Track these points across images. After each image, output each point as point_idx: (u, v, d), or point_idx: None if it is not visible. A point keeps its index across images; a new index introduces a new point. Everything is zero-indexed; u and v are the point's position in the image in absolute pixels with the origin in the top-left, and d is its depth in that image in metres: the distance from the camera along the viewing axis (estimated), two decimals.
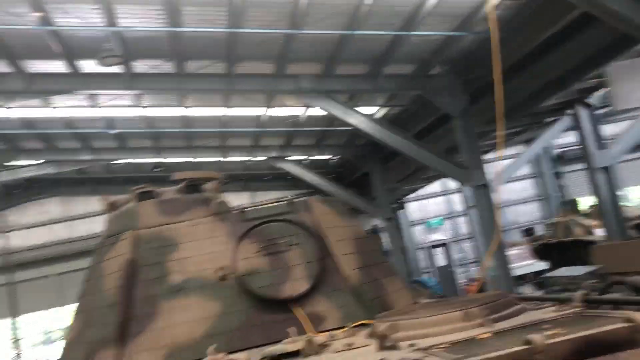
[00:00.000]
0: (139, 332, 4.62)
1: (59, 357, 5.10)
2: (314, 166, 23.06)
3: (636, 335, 2.70)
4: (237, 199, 25.03)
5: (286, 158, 21.07)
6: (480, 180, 13.78)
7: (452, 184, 25.76)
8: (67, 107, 15.44)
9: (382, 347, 3.29)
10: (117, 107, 15.57)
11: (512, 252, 17.61)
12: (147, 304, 4.73)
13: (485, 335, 3.16)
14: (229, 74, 13.22)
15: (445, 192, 28.02)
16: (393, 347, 3.25)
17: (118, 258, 4.95)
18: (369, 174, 21.36)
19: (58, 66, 12.59)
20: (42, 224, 24.35)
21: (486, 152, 15.98)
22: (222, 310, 4.73)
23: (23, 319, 23.69)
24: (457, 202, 27.18)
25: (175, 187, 5.53)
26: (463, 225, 27.58)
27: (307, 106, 15.79)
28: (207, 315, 4.69)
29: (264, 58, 12.99)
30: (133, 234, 5.01)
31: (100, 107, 15.39)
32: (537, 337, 2.62)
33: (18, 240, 23.71)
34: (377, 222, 23.57)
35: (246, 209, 5.22)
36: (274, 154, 20.53)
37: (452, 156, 15.47)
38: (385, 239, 21.98)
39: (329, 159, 23.47)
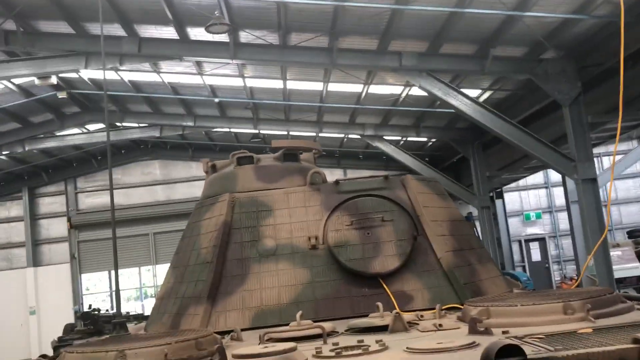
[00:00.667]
0: (230, 292, 4.72)
1: (152, 309, 5.31)
2: (410, 147, 22.71)
3: None
4: (329, 175, 25.32)
5: (382, 137, 20.86)
6: (588, 174, 13.01)
7: (555, 176, 24.64)
8: (174, 74, 15.98)
9: (474, 331, 3.15)
10: (221, 76, 15.94)
11: (614, 254, 16.66)
12: (239, 265, 4.82)
13: (586, 330, 2.96)
14: (331, 48, 13.17)
15: (547, 185, 26.90)
16: (485, 332, 3.11)
17: (214, 219, 5.06)
18: (466, 159, 20.78)
19: (169, 32, 13.01)
20: (144, 184, 25.57)
21: (595, 145, 15.09)
22: (311, 279, 4.74)
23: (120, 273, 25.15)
24: (558, 196, 25.98)
25: (273, 154, 5.57)
26: (563, 220, 26.37)
27: (408, 85, 15.50)
28: (295, 282, 4.72)
29: (367, 33, 12.82)
30: (230, 197, 5.10)
31: (204, 75, 15.80)
32: None
33: (121, 198, 25.08)
34: (472, 210, 23.00)
35: (341, 181, 5.17)
36: (369, 133, 20.36)
37: (559, 147, 14.71)
38: (479, 228, 21.40)
39: (427, 141, 23.02)
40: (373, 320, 3.74)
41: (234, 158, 5.46)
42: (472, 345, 2.85)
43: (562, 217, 26.28)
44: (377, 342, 3.08)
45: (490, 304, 3.54)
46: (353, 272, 4.73)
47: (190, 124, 19.89)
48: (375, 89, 16.66)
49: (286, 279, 4.74)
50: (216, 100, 17.83)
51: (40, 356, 3.83)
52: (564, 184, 21.24)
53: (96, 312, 14.89)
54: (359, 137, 20.92)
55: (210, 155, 19.03)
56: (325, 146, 24.06)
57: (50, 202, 25.48)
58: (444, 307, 4.23)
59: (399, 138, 21.99)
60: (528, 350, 2.57)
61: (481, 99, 16.36)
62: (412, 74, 13.65)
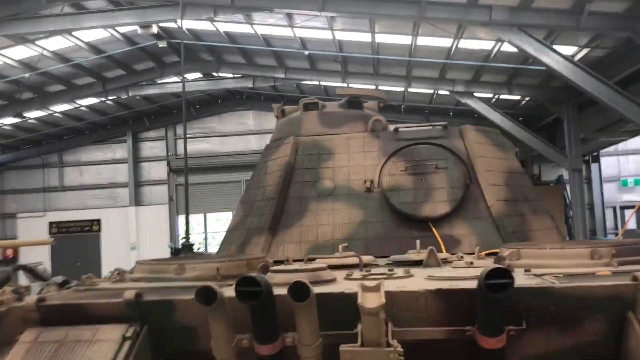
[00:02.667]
0: (289, 226, 5.13)
1: (222, 240, 5.84)
2: (501, 106, 22.16)
3: None
4: None
5: (473, 94, 20.48)
6: None
7: None
8: (266, 25, 16.42)
9: None
10: (311, 28, 16.21)
11: None
12: (299, 203, 5.21)
13: (605, 273, 3.11)
14: (420, 0, 13.08)
15: None
16: (509, 269, 3.32)
17: (279, 159, 5.46)
18: (562, 120, 20.06)
19: None
20: (238, 133, 26.58)
21: None
22: (364, 219, 5.06)
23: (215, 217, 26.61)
24: None
25: (338, 101, 5.85)
26: None
27: (500, 40, 15.12)
28: (349, 221, 5.06)
29: None
30: (294, 140, 5.46)
31: (295, 27, 16.13)
32: None
33: (216, 145, 26.23)
34: (564, 172, 22.28)
35: (400, 129, 5.39)
36: (459, 89, 20.03)
37: None
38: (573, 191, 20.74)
39: (519, 100, 22.34)
40: (411, 255, 4.02)
41: (301, 104, 5.80)
42: None
43: None
44: (405, 271, 3.37)
45: (522, 247, 3.73)
46: (404, 215, 4.99)
47: (282, 75, 20.38)
48: (466, 44, 16.36)
49: (341, 217, 5.08)
50: (306, 52, 18.16)
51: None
52: None
53: (188, 246, 15.98)
54: (448, 93, 20.62)
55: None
56: (415, 102, 23.99)
57: (152, 147, 27.07)
58: (485, 252, 4.42)
59: (491, 95, 21.49)
60: (532, 282, 2.78)
61: (577, 57, 15.70)
62: (502, 28, 13.34)
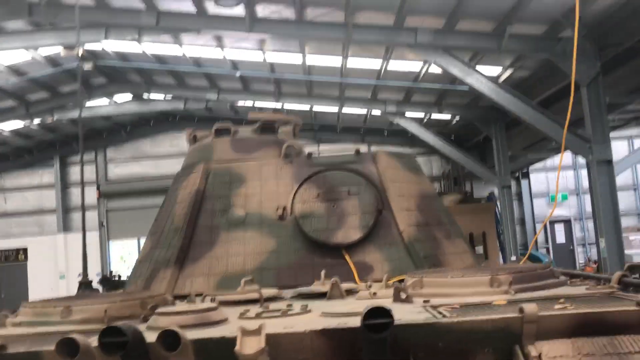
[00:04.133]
0: (198, 258, 4.94)
1: (131, 273, 5.58)
2: (434, 125, 22.60)
3: None
4: (353, 151, 24.95)
5: (404, 114, 20.80)
6: (603, 156, 12.86)
7: (583, 158, 24.19)
8: (196, 46, 16.21)
9: (397, 299, 3.29)
10: (241, 49, 16.10)
11: (633, 238, 16.44)
12: (208, 233, 5.03)
13: (501, 302, 3.07)
14: (347, 23, 13.18)
15: (574, 167, 26.43)
16: (406, 300, 3.25)
17: (189, 188, 5.28)
18: (491, 138, 20.59)
19: (187, 6, 13.20)
20: (173, 155, 26.01)
21: (614, 128, 14.82)
22: (276, 248, 4.92)
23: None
24: (586, 177, 25.55)
25: (251, 127, 5.73)
26: (589, 203, 25.96)
27: (427, 62, 15.41)
28: (261, 250, 4.91)
29: (383, 8, 12.79)
30: (205, 167, 5.30)
31: (225, 48, 15.99)
32: (530, 308, 2.52)
33: (150, 168, 25.63)
34: (495, 189, 22.84)
35: (313, 155, 5.31)
36: (391, 109, 20.32)
37: (579, 128, 14.51)
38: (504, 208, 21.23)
39: (450, 120, 22.83)
40: (315, 287, 3.91)
41: (213, 129, 5.65)
42: None
43: (589, 199, 25.88)
44: (302, 306, 3.25)
45: (424, 275, 3.67)
46: (317, 243, 4.89)
47: (214, 97, 20.16)
48: (395, 65, 16.61)
49: (252, 247, 4.93)
50: (237, 74, 18.02)
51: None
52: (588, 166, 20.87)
53: (115, 278, 15.44)
54: (379, 114, 20.87)
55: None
56: (350, 122, 24.16)
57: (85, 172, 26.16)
58: (395, 279, 4.36)
59: (422, 115, 21.88)
60: (420, 317, 2.70)
61: (502, 78, 16.19)
62: (428, 51, 13.59)
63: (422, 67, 16.49)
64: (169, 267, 4.90)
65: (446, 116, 21.77)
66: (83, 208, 6.39)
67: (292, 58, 16.64)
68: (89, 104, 21.08)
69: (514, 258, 18.42)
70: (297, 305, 3.27)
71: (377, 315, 2.31)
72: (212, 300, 3.96)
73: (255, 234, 4.98)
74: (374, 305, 2.30)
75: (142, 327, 3.07)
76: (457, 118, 22.18)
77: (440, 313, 2.84)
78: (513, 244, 19.33)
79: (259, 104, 21.51)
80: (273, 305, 3.40)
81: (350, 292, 3.89)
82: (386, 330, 2.27)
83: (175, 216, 5.23)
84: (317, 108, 21.68)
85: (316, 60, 16.72)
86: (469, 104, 19.86)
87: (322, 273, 4.07)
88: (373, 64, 16.66)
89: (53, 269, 24.87)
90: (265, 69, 17.63)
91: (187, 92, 20.55)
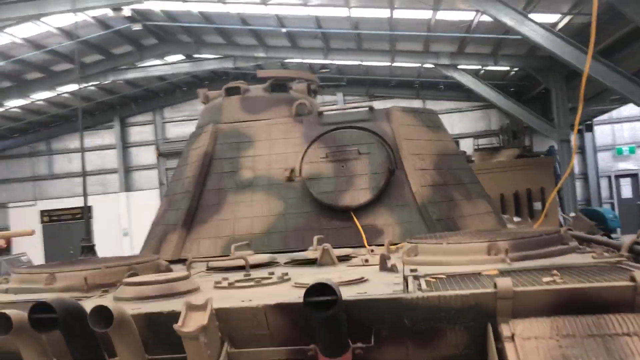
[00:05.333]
0: (205, 221, 4.85)
1: (147, 235, 5.56)
2: (490, 77, 21.68)
3: (638, 297, 2.21)
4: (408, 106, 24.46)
5: (458, 67, 20.00)
6: None
7: None
8: (240, 4, 15.98)
9: (382, 268, 3.09)
10: (286, 5, 15.77)
11: None
12: (216, 195, 4.91)
13: (491, 272, 2.82)
14: None
15: None
16: (391, 270, 3.05)
17: (199, 149, 5.16)
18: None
19: None
20: None
21: None
22: (284, 210, 4.77)
23: None
24: None
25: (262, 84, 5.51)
26: None
27: (477, 10, 14.65)
28: (268, 213, 4.77)
29: None
30: (213, 128, 5.15)
31: (269, 4, 15.68)
32: (503, 283, 2.26)
33: None
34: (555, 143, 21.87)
35: (325, 112, 5.07)
36: (444, 61, 19.55)
37: None
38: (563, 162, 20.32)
39: (508, 71, 21.84)
40: (306, 254, 3.74)
41: (223, 88, 5.47)
42: (357, 281, 2.80)
43: None
44: (283, 274, 3.09)
45: (421, 241, 3.43)
46: (325, 205, 4.70)
47: (262, 55, 19.95)
48: (446, 15, 15.90)
49: (259, 209, 4.79)
50: (284, 30, 17.72)
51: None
52: None
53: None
54: (432, 66, 20.15)
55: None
56: (403, 76, 23.51)
57: (140, 131, 26.79)
58: (394, 244, 4.12)
59: (478, 67, 21.00)
60: (386, 290, 2.49)
61: (559, 26, 15.23)
62: None
63: (475, 16, 15.71)
64: (176, 230, 4.83)
65: (504, 67, 20.83)
66: (84, 178, 6.34)
67: (338, 11, 16.18)
68: (141, 64, 21.31)
69: (572, 214, 17.65)
70: (279, 273, 3.11)
71: (324, 292, 2.11)
72: (207, 266, 3.87)
73: (263, 197, 4.83)
74: (317, 282, 2.10)
75: (109, 297, 3.00)
76: (516, 69, 21.20)
77: (419, 285, 2.61)
78: (573, 199, 18.50)
79: (308, 60, 21.18)
80: (258, 273, 3.25)
81: (346, 258, 3.70)
82: (331, 309, 2.07)
83: (185, 178, 5.14)
84: (368, 63, 21.14)
85: (362, 12, 16.20)
86: (527, 53, 18.85)
87: (315, 239, 3.88)
88: (422, 14, 15.99)
89: (116, 226, 25.76)
90: (311, 23, 17.23)
91: (236, 51, 20.41)
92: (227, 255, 4.43)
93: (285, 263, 3.81)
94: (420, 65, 21.23)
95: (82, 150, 6.47)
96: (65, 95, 22.83)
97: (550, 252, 3.14)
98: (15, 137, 26.27)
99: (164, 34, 19.76)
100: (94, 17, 16.76)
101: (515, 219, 20.63)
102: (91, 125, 26.55)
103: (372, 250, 4.05)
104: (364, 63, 20.86)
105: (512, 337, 2.20)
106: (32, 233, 16.08)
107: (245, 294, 2.69)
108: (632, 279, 2.21)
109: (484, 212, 5.01)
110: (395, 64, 20.60)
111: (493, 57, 19.22)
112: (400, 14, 15.93)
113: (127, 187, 26.35)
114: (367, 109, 5.04)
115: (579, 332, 2.16)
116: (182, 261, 4.36)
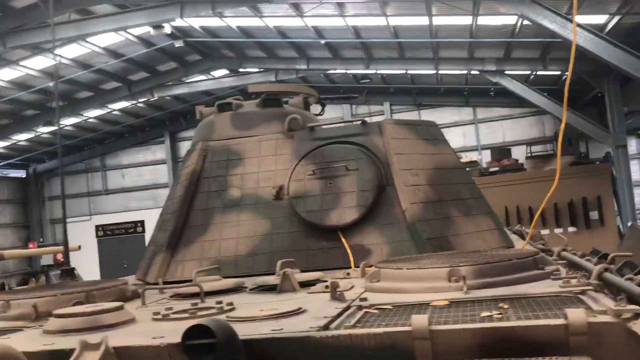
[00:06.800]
0: (190, 242, 4.72)
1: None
2: (541, 82, 20.91)
3: (572, 338, 1.91)
4: (457, 114, 24.09)
5: (505, 72, 19.38)
6: None
7: None
8: (276, 17, 16.01)
9: (332, 297, 2.87)
10: (322, 16, 15.68)
11: None
12: (203, 216, 4.79)
13: (441, 303, 2.55)
14: None
15: None
16: (339, 299, 2.82)
17: (187, 168, 5.05)
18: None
19: None
20: None
21: None
22: (270, 231, 4.60)
23: None
24: None
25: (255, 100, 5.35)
26: None
27: (519, 15, 14.13)
28: (254, 234, 4.61)
29: None
30: (202, 145, 5.04)
31: (305, 16, 15.63)
32: (418, 320, 2.00)
33: None
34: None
35: (315, 127, 4.87)
36: (491, 68, 18.99)
37: None
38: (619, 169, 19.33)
39: (560, 75, 21.00)
40: (270, 279, 3.54)
41: (215, 105, 5.34)
42: (291, 313, 2.59)
43: None
44: (227, 304, 2.91)
45: (385, 266, 3.18)
46: (312, 224, 4.49)
47: (304, 67, 19.93)
48: (487, 20, 15.44)
49: (246, 230, 4.62)
50: (322, 41, 17.63)
51: None
52: None
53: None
54: (477, 73, 19.62)
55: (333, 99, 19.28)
56: (451, 83, 23.00)
57: (189, 146, 27.18)
58: (369, 265, 3.85)
59: (528, 72, 20.29)
60: (306, 326, 2.27)
61: (608, 27, 14.51)
62: (514, 2, 12.41)
63: (517, 20, 15.17)
64: (162, 252, 4.72)
65: (554, 72, 20.04)
66: (64, 205, 6.33)
67: (376, 21, 15.97)
68: (187, 80, 21.69)
69: (630, 224, 16.72)
70: (227, 302, 2.93)
71: (210, 334, 1.91)
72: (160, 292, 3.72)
73: (250, 216, 4.66)
74: (195, 323, 1.91)
75: (38, 330, 2.88)
76: (567, 73, 20.36)
77: (354, 319, 2.38)
78: (631, 208, 17.54)
79: (351, 71, 21.03)
80: (210, 302, 3.08)
81: (312, 283, 3.47)
82: (212, 353, 1.87)
83: (175, 198, 5.03)
84: (413, 71, 20.80)
85: (401, 21, 15.93)
86: (578, 56, 17.99)
87: (278, 263, 3.67)
88: (463, 20, 15.57)
89: None
90: (349, 33, 17.08)
91: (278, 64, 20.48)
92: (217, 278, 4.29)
93: (251, 289, 3.62)
94: (467, 72, 20.72)
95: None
96: (116, 112, 23.47)
97: (516, 279, 2.83)
98: (71, 154, 27.20)
99: (207, 49, 20.03)
100: (136, 36, 17.14)
101: (571, 229, 19.86)
102: (142, 141, 27.24)
103: (348, 274, 3.82)
104: (409, 72, 20.52)
105: None
106: (78, 249, 16.48)
107: (178, 326, 2.52)
108: (565, 317, 1.92)
109: (486, 229, 4.68)
110: (440, 72, 20.17)
111: (542, 61, 18.53)
112: (440, 20, 15.58)
113: None
114: (359, 122, 4.80)
115: None
116: (170, 284, 4.23)
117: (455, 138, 25.17)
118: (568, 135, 23.07)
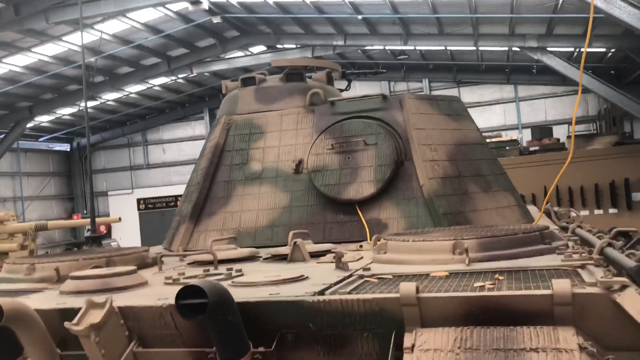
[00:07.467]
0: (212, 213, 4.85)
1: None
2: (586, 60, 20.27)
3: (556, 308, 1.94)
4: (498, 92, 23.47)
5: (548, 49, 18.88)
6: None
7: None
8: None
9: (337, 266, 2.94)
10: None
11: None
12: (225, 188, 4.90)
13: (441, 274, 2.60)
14: None
15: None
16: (343, 268, 2.89)
17: (211, 141, 5.16)
18: None
19: None
20: None
21: None
22: (289, 203, 4.68)
23: None
24: None
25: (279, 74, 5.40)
26: None
27: None
28: (274, 206, 4.70)
29: None
30: (225, 119, 5.14)
31: None
32: (406, 288, 2.05)
33: None
34: None
35: (336, 101, 4.90)
36: (532, 44, 18.51)
37: None
38: None
39: (606, 52, 20.36)
40: (282, 249, 3.63)
41: (239, 79, 5.42)
42: (293, 279, 2.67)
43: None
44: (236, 270, 3.02)
45: (392, 238, 3.23)
46: (329, 198, 4.55)
47: (341, 42, 19.81)
48: None
49: (266, 202, 4.72)
50: (359, 17, 17.48)
51: None
52: None
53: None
54: (518, 49, 19.17)
55: (360, 75, 19.11)
56: (491, 60, 22.55)
57: None
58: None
59: (572, 49, 19.73)
60: (300, 292, 2.34)
61: None
62: None
63: None
64: (185, 223, 4.86)
65: (600, 49, 19.44)
66: (91, 178, 6.45)
67: None
68: (225, 56, 21.82)
69: None
70: (237, 269, 3.03)
71: (203, 294, 2.00)
72: (180, 259, 3.85)
73: (270, 189, 4.75)
74: (188, 284, 2.00)
75: (57, 292, 3.03)
76: (613, 50, 19.74)
77: (353, 285, 2.45)
78: None
79: (389, 47, 20.82)
80: (224, 268, 3.20)
81: (323, 254, 3.54)
82: (205, 312, 1.96)
83: (199, 170, 5.16)
84: (452, 47, 20.46)
85: None
86: (624, 33, 17.47)
87: (290, 234, 3.75)
88: None
89: None
90: (386, 9, 16.88)
91: (315, 40, 20.41)
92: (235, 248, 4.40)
93: (264, 258, 3.72)
94: (508, 48, 20.27)
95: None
96: (156, 88, 23.82)
97: (520, 252, 2.85)
98: (114, 128, 27.80)
99: (245, 25, 20.08)
100: (175, 12, 17.31)
101: (612, 210, 19.42)
102: (183, 116, 27.62)
103: (360, 246, 3.88)
104: (449, 48, 20.20)
105: (412, 348, 1.99)
106: (118, 220, 16.97)
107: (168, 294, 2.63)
108: (550, 287, 1.94)
109: (506, 205, 4.66)
110: (481, 48, 19.79)
111: (585, 38, 17.96)
112: None
113: None
114: (380, 97, 4.82)
115: (484, 345, 1.92)
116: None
117: (496, 116, 24.77)
118: (612, 114, 22.48)
